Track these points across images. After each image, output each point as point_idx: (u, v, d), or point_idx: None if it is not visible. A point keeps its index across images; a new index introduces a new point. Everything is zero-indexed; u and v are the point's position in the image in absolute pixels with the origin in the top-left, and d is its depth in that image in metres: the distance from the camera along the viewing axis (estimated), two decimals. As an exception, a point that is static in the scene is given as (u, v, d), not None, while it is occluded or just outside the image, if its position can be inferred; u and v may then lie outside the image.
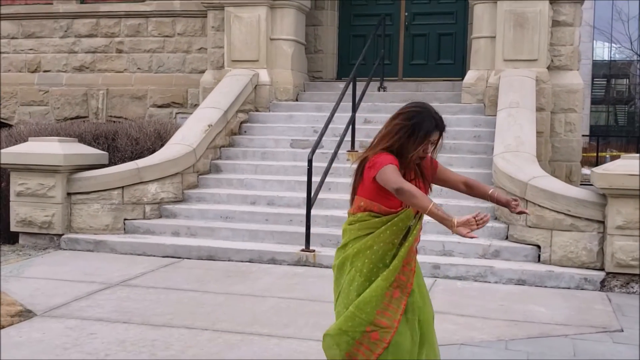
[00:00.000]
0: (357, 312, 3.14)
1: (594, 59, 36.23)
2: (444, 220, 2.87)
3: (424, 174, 3.29)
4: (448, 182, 3.37)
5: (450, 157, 8.60)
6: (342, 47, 11.96)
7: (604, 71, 40.44)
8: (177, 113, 11.73)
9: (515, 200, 3.30)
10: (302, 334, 4.79)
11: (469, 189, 3.36)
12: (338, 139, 8.33)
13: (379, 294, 3.14)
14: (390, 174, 3.02)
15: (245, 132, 9.89)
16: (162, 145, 8.73)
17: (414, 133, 3.12)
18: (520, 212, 3.20)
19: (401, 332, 3.16)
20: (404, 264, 3.19)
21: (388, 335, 3.12)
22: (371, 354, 3.12)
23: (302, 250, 7.03)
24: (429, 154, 3.25)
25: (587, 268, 6.49)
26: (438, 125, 3.17)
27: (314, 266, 6.92)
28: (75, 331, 4.79)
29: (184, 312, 5.29)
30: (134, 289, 5.98)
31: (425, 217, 3.16)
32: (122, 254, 7.42)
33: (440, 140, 3.21)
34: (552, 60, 9.71)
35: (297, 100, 10.73)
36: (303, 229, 7.15)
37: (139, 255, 7.36)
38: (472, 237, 2.82)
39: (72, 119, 12.08)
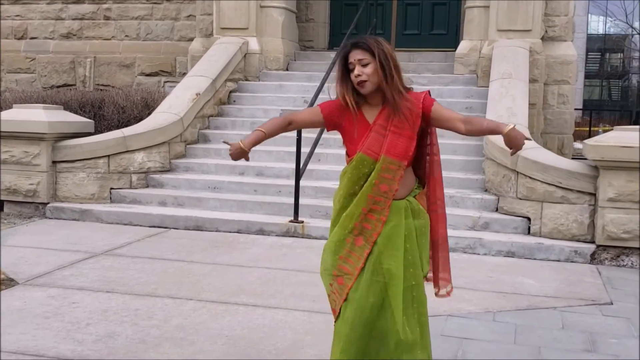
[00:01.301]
0: (324, 255, 3.06)
1: (589, 32, 36.02)
2: None
3: (404, 113, 2.86)
4: (446, 122, 2.90)
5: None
6: (334, 16, 11.78)
7: (599, 45, 40.27)
8: (165, 82, 11.56)
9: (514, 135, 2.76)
10: (287, 304, 4.73)
11: (471, 127, 2.87)
12: (328, 108, 8.19)
13: (338, 239, 2.99)
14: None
15: (234, 101, 9.75)
16: (149, 114, 8.59)
17: (337, 64, 2.93)
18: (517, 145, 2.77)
19: (359, 291, 2.91)
20: (366, 212, 2.92)
21: (350, 282, 2.94)
22: (340, 300, 3.00)
23: (291, 221, 6.94)
24: (361, 77, 2.82)
25: (578, 241, 6.43)
26: (351, 43, 2.87)
27: (302, 237, 6.84)
28: (57, 300, 4.70)
29: (168, 282, 5.21)
30: (119, 259, 5.89)
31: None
32: (108, 223, 7.32)
33: (370, 61, 2.82)
34: (546, 31, 9.57)
35: (287, 69, 10.57)
36: (292, 200, 7.06)
37: (125, 225, 7.26)
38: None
39: (59, 87, 11.90)
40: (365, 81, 2.83)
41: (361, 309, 2.91)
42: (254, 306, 4.68)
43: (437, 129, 3.08)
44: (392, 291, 2.90)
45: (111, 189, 7.79)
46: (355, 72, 2.82)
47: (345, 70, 2.90)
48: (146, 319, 4.39)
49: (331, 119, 2.98)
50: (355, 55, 2.84)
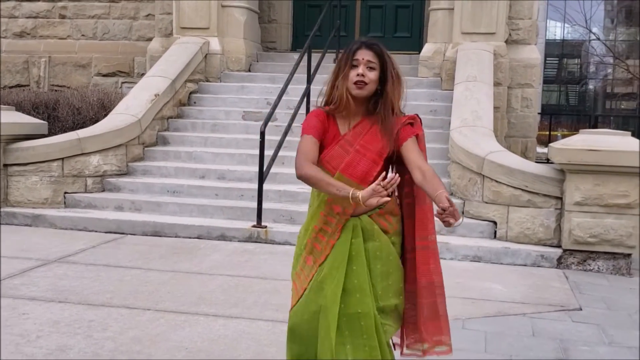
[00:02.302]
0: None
1: (547, 38, 36.55)
2: (346, 198, 2.50)
3: (387, 127, 2.65)
4: (406, 162, 2.64)
5: (407, 132, 8.39)
6: (297, 17, 11.61)
7: (557, 50, 40.92)
8: (122, 82, 11.23)
9: (444, 210, 2.38)
10: (250, 313, 4.53)
11: (423, 180, 2.56)
12: (292, 111, 8.03)
13: (296, 253, 2.85)
14: (299, 149, 2.66)
15: (194, 102, 9.50)
16: (105, 116, 8.30)
17: (340, 60, 2.69)
18: (445, 222, 2.38)
19: (299, 310, 2.76)
20: (317, 230, 2.73)
21: (295, 299, 2.81)
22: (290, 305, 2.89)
23: (254, 226, 6.74)
24: (363, 78, 2.61)
25: (544, 245, 6.37)
26: (363, 42, 2.68)
27: (265, 242, 6.65)
28: (6, 311, 4.42)
29: (125, 291, 4.96)
30: (73, 266, 5.61)
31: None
32: (62, 229, 7.02)
33: (377, 67, 2.63)
34: (510, 34, 9.55)
35: (249, 70, 10.37)
36: (255, 204, 6.86)
37: (79, 230, 6.97)
38: (385, 202, 2.42)
39: (12, 87, 11.48)
40: (366, 84, 2.64)
41: (297, 325, 2.80)
42: (215, 316, 4.47)
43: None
44: (323, 315, 2.69)
45: (65, 193, 7.48)
46: (360, 70, 2.63)
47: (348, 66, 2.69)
48: (100, 330, 4.15)
49: (323, 135, 2.75)
50: (365, 55, 2.65)
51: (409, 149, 2.63)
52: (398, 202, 2.83)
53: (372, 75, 2.64)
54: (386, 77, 2.66)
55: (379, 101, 2.69)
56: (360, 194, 2.47)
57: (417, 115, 2.78)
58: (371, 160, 2.65)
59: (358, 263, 2.68)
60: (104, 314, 4.44)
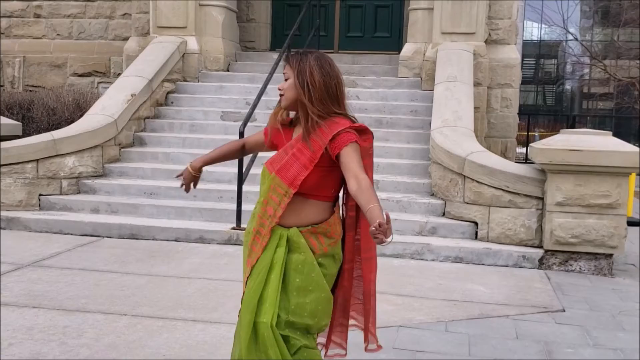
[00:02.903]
0: None
1: (524, 38, 36.78)
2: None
3: (307, 140, 2.59)
4: (343, 170, 2.53)
5: (387, 132, 8.35)
6: (276, 16, 11.52)
7: (534, 51, 41.21)
8: (99, 82, 11.06)
9: (377, 229, 2.23)
10: (230, 318, 4.42)
11: (357, 190, 2.43)
12: (272, 111, 7.91)
13: (243, 258, 2.83)
14: None
15: (172, 102, 9.36)
16: (81, 116, 8.14)
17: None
18: (377, 239, 2.25)
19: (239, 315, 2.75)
20: (254, 233, 2.70)
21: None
22: None
23: (233, 229, 6.64)
24: (280, 91, 2.65)
25: (526, 245, 6.35)
26: (285, 57, 2.76)
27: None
28: (-24, 318, 4.29)
29: (100, 295, 4.84)
30: (47, 270, 5.47)
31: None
32: (37, 232, 6.86)
33: (290, 76, 2.62)
34: (489, 34, 9.54)
35: (228, 70, 10.25)
36: (234, 206, 6.75)
37: (55, 233, 6.82)
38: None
39: (-15, 87, 11.26)
40: (282, 95, 2.68)
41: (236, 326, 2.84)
42: (193, 321, 4.37)
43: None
44: (238, 321, 2.73)
45: (40, 195, 7.32)
46: (279, 85, 2.70)
47: None
48: (75, 337, 4.02)
49: (271, 139, 2.83)
50: (284, 70, 2.72)
51: (346, 157, 2.52)
52: (343, 217, 2.80)
53: (286, 85, 2.67)
54: (300, 81, 2.61)
55: None
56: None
57: (367, 127, 2.69)
58: (302, 165, 2.60)
59: (274, 272, 2.64)
60: (79, 320, 4.32)
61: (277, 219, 2.63)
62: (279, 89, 2.68)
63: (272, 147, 2.83)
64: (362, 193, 2.41)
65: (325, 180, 2.63)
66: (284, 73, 2.70)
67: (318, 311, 2.67)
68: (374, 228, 2.23)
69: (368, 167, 2.65)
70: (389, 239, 2.25)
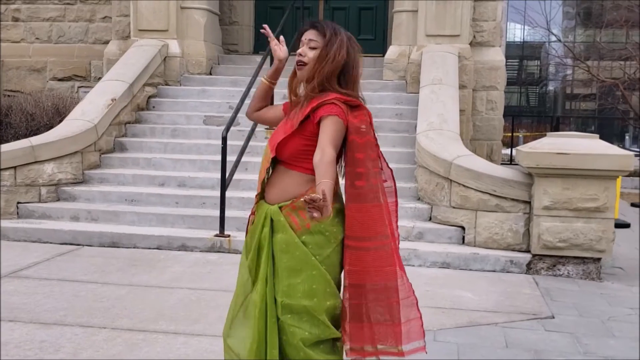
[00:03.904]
0: None
1: (508, 39, 36.90)
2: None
3: (306, 99, 2.54)
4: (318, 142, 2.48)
5: (372, 135, 8.25)
6: (260, 19, 11.39)
7: (517, 52, 41.37)
8: (79, 87, 10.87)
9: (313, 201, 2.16)
10: (213, 330, 4.30)
11: (318, 163, 2.37)
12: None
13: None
14: None
15: (153, 107, 9.21)
16: (60, 122, 7.97)
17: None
18: (309, 212, 2.20)
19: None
20: (252, 213, 2.69)
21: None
22: None
23: (216, 236, 6.51)
24: (302, 58, 2.54)
25: (513, 250, 6.27)
26: (310, 22, 2.62)
27: (228, 252, 6.42)
28: (-51, 334, 4.13)
29: (79, 307, 4.70)
30: (24, 281, 5.32)
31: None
32: (15, 241, 6.69)
33: (319, 46, 2.52)
34: (474, 36, 9.48)
35: (210, 74, 10.11)
36: (217, 213, 6.62)
37: (33, 242, 6.66)
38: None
39: (-38, 92, 11.04)
40: (305, 64, 2.53)
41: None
42: (175, 334, 4.24)
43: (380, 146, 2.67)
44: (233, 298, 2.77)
45: (18, 203, 7.15)
46: (299, 50, 2.53)
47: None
48: (52, 352, 3.89)
49: (283, 113, 2.77)
50: (308, 35, 2.55)
51: (321, 128, 2.46)
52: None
53: (312, 54, 2.52)
54: (327, 52, 2.52)
55: None
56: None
57: (363, 105, 2.57)
58: (283, 131, 2.56)
59: (264, 253, 2.58)
60: (56, 334, 4.17)
61: (260, 184, 2.62)
62: (300, 55, 2.52)
63: None
64: (320, 165, 2.35)
65: (307, 150, 2.51)
66: (308, 40, 2.53)
67: (313, 290, 2.52)
68: (305, 201, 2.16)
69: (356, 145, 2.50)
70: (323, 218, 2.19)
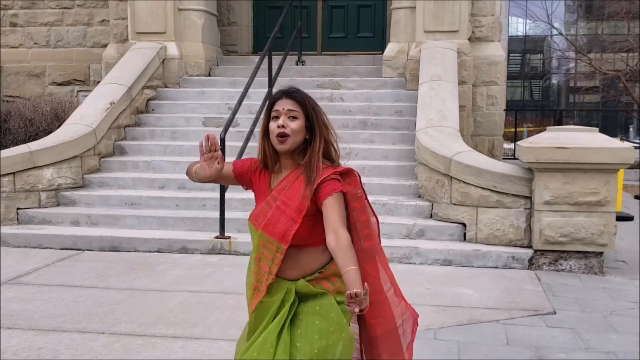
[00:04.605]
0: None
1: (510, 34, 36.79)
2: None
3: (309, 181, 2.41)
4: (324, 222, 2.38)
5: (372, 134, 8.22)
6: (258, 19, 11.37)
7: (519, 46, 41.25)
8: (78, 91, 10.87)
9: (352, 297, 2.12)
10: (212, 333, 4.29)
11: (335, 247, 2.29)
12: (254, 116, 7.79)
13: (247, 284, 2.65)
14: None
15: (152, 110, 9.19)
16: (59, 126, 7.96)
17: (263, 115, 2.50)
18: (349, 307, 2.15)
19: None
20: (252, 288, 2.54)
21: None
22: None
23: (217, 237, 6.49)
24: (284, 130, 2.38)
25: (515, 246, 6.23)
26: (283, 92, 2.45)
27: (229, 254, 6.40)
28: (-53, 342, 4.12)
29: (78, 313, 4.68)
30: (24, 288, 5.31)
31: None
32: (15, 247, 6.69)
33: (299, 116, 2.41)
34: (473, 32, 9.43)
35: (209, 75, 10.09)
36: (217, 214, 6.60)
37: (33, 248, 6.65)
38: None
39: (-38, 99, 11.05)
40: (288, 136, 2.39)
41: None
42: (173, 337, 4.22)
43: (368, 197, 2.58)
44: None
45: (18, 209, 7.14)
46: (280, 121, 2.39)
47: (269, 121, 2.45)
48: (50, 359, 3.87)
49: (243, 177, 2.58)
50: (285, 104, 2.41)
51: (327, 208, 2.36)
52: None
53: (295, 125, 2.40)
54: (312, 125, 2.43)
55: (307, 151, 2.45)
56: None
57: (352, 169, 2.49)
58: (289, 218, 2.40)
59: (285, 321, 2.45)
60: (54, 340, 4.16)
61: (274, 275, 2.44)
62: (282, 127, 2.37)
63: (247, 184, 2.60)
64: (340, 251, 2.27)
65: (315, 229, 2.43)
66: (287, 110, 2.40)
67: (341, 352, 2.46)
68: (348, 295, 2.11)
69: (358, 210, 2.46)
70: (361, 310, 2.14)
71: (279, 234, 2.40)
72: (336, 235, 2.30)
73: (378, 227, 2.58)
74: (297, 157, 2.46)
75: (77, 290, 5.25)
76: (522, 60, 43.03)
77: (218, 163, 2.42)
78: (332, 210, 2.35)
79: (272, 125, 2.40)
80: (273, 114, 2.42)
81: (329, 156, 2.48)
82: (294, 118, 2.40)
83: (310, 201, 2.39)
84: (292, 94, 2.43)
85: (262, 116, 2.50)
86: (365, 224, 2.49)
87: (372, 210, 2.56)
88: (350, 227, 2.45)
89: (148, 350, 4.01)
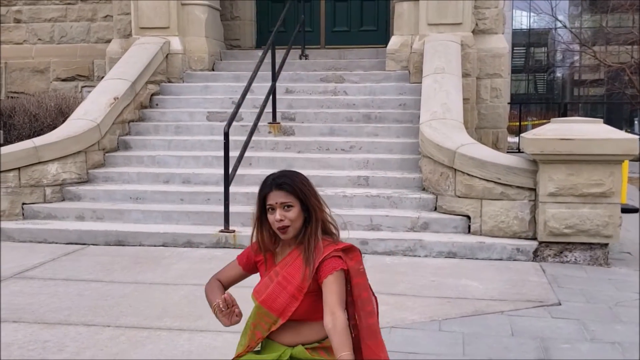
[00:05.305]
0: None
1: (514, 27, 36.70)
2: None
3: (308, 259, 2.41)
4: (323, 301, 2.37)
5: (376, 127, 8.22)
6: (261, 13, 11.36)
7: (524, 39, 41.14)
8: (82, 86, 10.88)
9: None
10: (217, 325, 4.19)
11: (332, 330, 2.29)
12: (258, 110, 7.79)
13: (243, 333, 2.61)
14: None
15: (156, 105, 9.20)
16: (64, 122, 7.98)
17: (256, 209, 2.50)
18: None
19: None
20: (246, 347, 2.53)
21: None
22: None
23: (221, 231, 6.50)
24: (283, 222, 2.40)
25: (519, 238, 6.23)
26: (270, 184, 2.44)
27: (234, 247, 6.41)
28: (-47, 336, 4.14)
29: (84, 306, 4.70)
30: (30, 282, 5.33)
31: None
32: (21, 242, 6.71)
33: (294, 204, 2.42)
34: (476, 24, 9.41)
35: (213, 70, 10.09)
36: (222, 208, 6.61)
37: (39, 242, 6.67)
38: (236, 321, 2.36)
39: (-33, 96, 11.07)
40: (288, 227, 2.41)
41: None
42: (179, 330, 4.24)
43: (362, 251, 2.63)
44: None
45: (23, 204, 7.16)
46: (277, 216, 2.40)
47: (264, 211, 2.46)
48: (56, 352, 3.89)
49: (248, 265, 2.60)
50: (277, 198, 2.41)
51: (327, 287, 2.36)
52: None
53: (292, 215, 2.41)
54: (308, 204, 2.44)
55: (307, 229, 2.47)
56: (215, 308, 2.41)
57: (353, 245, 2.49)
58: (290, 295, 2.41)
59: None
60: (60, 334, 4.18)
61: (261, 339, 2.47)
62: (281, 221, 2.40)
63: (253, 270, 2.61)
64: (335, 334, 2.27)
65: (317, 305, 2.42)
66: (280, 203, 2.40)
67: None
68: None
69: (361, 286, 2.45)
70: None
71: (278, 309, 2.41)
72: (333, 317, 2.29)
73: (377, 307, 2.55)
74: (300, 236, 2.47)
75: (82, 284, 5.27)
76: (526, 54, 42.92)
77: (237, 315, 2.42)
78: (330, 290, 2.35)
79: (271, 218, 2.42)
80: (267, 206, 2.43)
81: (329, 231, 2.49)
82: (290, 206, 2.41)
83: (312, 279, 2.40)
84: (281, 185, 2.42)
85: (254, 208, 2.48)
86: (367, 301, 2.47)
87: (372, 290, 2.53)
88: (353, 304, 2.45)
89: (154, 342, 4.03)
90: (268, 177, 2.47)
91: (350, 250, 2.46)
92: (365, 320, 2.45)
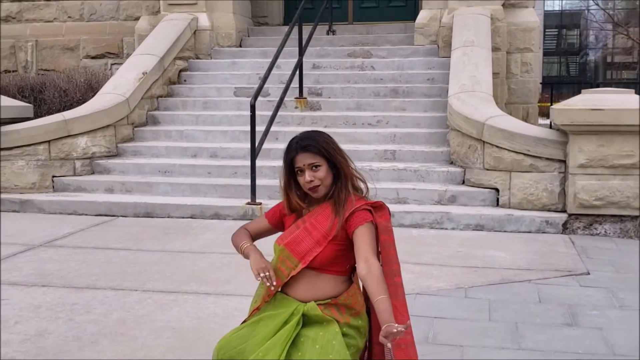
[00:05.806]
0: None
1: (545, 9, 36.10)
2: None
3: (338, 209, 2.42)
4: (355, 251, 2.36)
5: (404, 102, 8.16)
6: (288, -10, 11.30)
7: (555, 22, 40.49)
8: (112, 64, 10.95)
9: (390, 338, 2.12)
10: (243, 290, 4.32)
11: (366, 275, 2.27)
12: (284, 85, 7.77)
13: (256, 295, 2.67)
14: None
15: (184, 80, 9.24)
16: (93, 97, 8.05)
17: (283, 173, 2.50)
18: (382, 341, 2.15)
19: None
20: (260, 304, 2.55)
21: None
22: None
23: (248, 204, 6.53)
24: (314, 182, 2.40)
25: (549, 210, 6.15)
26: (296, 147, 2.44)
27: (260, 219, 6.42)
28: (-16, 298, 4.22)
29: (112, 272, 4.76)
30: (59, 250, 5.41)
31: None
32: (51, 213, 6.81)
33: (322, 163, 2.42)
34: (506, -3, 9.26)
35: (240, 46, 10.09)
36: (248, 182, 6.63)
37: (69, 214, 6.76)
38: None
39: (-1, 73, 11.22)
40: (318, 186, 2.43)
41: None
42: (205, 294, 4.27)
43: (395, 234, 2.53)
44: None
45: (53, 177, 7.26)
46: (307, 177, 2.42)
47: (291, 174, 2.46)
48: (84, 313, 3.95)
49: (274, 218, 2.62)
50: (304, 159, 2.42)
51: (359, 237, 2.37)
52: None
53: (321, 173, 2.42)
54: (335, 162, 2.44)
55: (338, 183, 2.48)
56: (251, 254, 2.47)
57: (383, 203, 2.50)
58: (315, 241, 2.42)
59: (284, 344, 2.38)
60: (88, 297, 4.24)
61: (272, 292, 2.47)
62: (311, 182, 2.41)
63: (279, 226, 2.62)
64: (371, 279, 2.26)
65: (339, 256, 2.44)
66: (308, 164, 2.41)
67: None
68: (384, 337, 2.10)
69: (389, 243, 2.46)
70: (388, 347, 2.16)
71: (301, 252, 2.41)
72: (367, 264, 2.29)
73: (400, 273, 2.52)
74: (330, 192, 2.47)
75: (111, 252, 5.33)
76: (558, 36, 42.25)
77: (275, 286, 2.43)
78: (363, 240, 2.35)
79: (301, 180, 2.44)
80: (296, 169, 2.44)
81: (358, 187, 2.50)
82: (317, 166, 2.42)
83: (340, 227, 2.40)
84: (306, 147, 2.43)
85: (281, 171, 2.50)
86: (394, 258, 2.47)
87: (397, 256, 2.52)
88: (380, 260, 2.44)
89: (180, 305, 4.07)
90: (292, 140, 2.47)
91: (380, 207, 2.47)
92: (391, 278, 2.44)
